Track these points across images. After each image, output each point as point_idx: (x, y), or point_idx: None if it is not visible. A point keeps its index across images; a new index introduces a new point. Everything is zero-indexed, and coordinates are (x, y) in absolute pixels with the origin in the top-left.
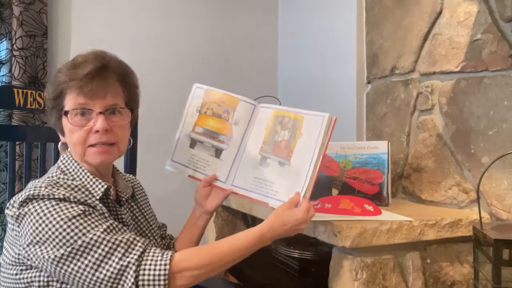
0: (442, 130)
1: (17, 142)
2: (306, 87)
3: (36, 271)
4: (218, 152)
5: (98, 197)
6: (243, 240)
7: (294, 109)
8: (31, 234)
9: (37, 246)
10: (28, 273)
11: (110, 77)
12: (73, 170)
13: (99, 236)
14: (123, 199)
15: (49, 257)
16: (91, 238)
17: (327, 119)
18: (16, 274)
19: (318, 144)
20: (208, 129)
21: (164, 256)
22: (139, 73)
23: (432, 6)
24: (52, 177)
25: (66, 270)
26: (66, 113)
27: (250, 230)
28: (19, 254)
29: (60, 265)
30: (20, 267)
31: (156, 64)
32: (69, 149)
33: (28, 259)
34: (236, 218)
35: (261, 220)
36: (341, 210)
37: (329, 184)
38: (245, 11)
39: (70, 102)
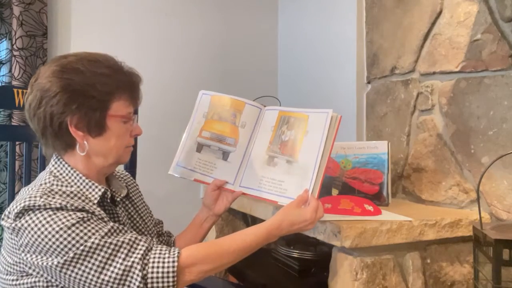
0: (442, 130)
1: (17, 142)
2: (306, 87)
3: (36, 277)
4: (225, 155)
5: (95, 202)
6: (250, 237)
7: (299, 109)
8: (31, 245)
9: (39, 256)
10: (28, 278)
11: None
12: (67, 175)
13: (100, 240)
14: (118, 199)
15: (52, 264)
16: (93, 243)
17: (331, 114)
18: (17, 279)
19: (324, 140)
20: (215, 133)
21: (171, 252)
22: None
23: (432, 6)
24: (46, 183)
25: (70, 276)
26: (120, 117)
27: (258, 227)
28: (19, 263)
29: (64, 270)
30: (21, 274)
31: (156, 64)
32: (82, 152)
33: (29, 267)
34: (236, 218)
35: (261, 220)
36: (341, 210)
37: (329, 184)
38: (245, 11)
39: (121, 107)
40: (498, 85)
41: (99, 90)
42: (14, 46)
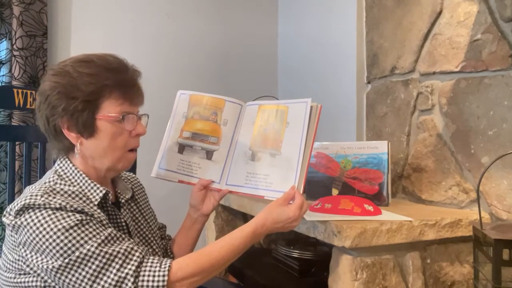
0: (442, 130)
1: (17, 142)
2: (306, 87)
3: (33, 276)
4: (209, 154)
5: (96, 203)
6: (238, 240)
7: (278, 101)
8: (29, 244)
9: (36, 255)
10: (26, 277)
11: (140, 84)
12: (71, 175)
13: (96, 248)
14: (122, 200)
15: (47, 267)
16: (88, 250)
17: (310, 103)
18: (15, 278)
19: (305, 130)
20: (197, 132)
21: (162, 266)
22: None
23: (432, 6)
24: (49, 182)
25: (64, 281)
26: (110, 117)
27: (244, 228)
28: (18, 260)
29: (58, 275)
30: (19, 272)
31: (156, 64)
32: (77, 153)
33: (27, 265)
34: (236, 218)
35: None
36: (341, 210)
37: (329, 184)
38: (245, 12)
39: (112, 106)
40: (498, 85)
41: (83, 90)
42: (14, 46)
